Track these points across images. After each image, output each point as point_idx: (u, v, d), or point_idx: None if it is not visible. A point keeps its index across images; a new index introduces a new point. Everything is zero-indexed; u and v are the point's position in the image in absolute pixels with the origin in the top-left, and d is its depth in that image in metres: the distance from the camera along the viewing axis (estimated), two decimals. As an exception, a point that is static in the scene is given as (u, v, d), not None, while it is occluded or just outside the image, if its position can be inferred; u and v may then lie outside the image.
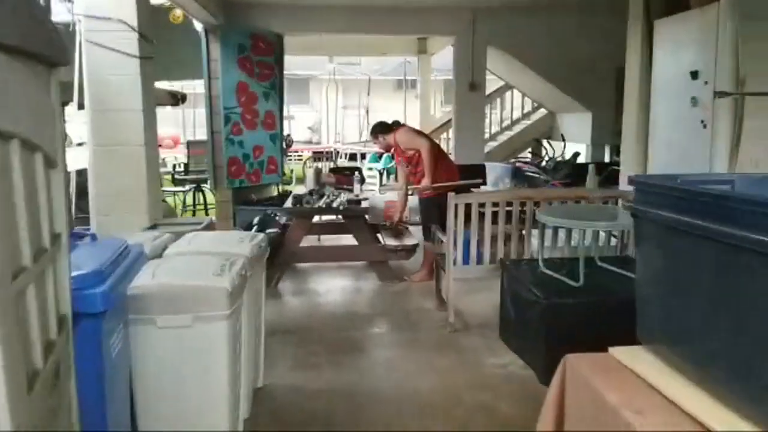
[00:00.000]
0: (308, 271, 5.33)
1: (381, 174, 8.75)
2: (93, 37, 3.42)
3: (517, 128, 9.13)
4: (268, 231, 4.95)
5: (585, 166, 4.95)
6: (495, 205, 3.68)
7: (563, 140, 7.71)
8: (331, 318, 4.18)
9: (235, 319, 2.30)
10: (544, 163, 8.05)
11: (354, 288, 4.98)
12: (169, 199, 8.50)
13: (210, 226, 3.72)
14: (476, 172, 6.01)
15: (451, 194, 3.63)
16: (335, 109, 14.49)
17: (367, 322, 4.10)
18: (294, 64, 16.92)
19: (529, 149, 9.14)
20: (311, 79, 18.46)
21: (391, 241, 4.96)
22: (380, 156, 13.76)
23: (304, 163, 7.21)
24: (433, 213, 4.47)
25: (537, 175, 5.04)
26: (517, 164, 5.45)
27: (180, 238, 3.00)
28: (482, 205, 3.66)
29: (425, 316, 4.19)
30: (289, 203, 4.92)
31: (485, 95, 7.75)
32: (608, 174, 4.92)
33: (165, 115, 17.57)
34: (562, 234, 3.59)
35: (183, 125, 14.68)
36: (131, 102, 3.50)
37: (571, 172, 5.23)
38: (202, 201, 8.19)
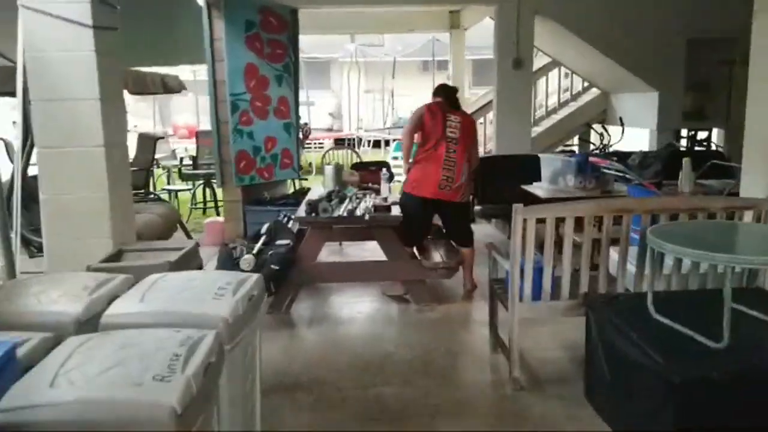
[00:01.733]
0: (327, 288, 4.43)
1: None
2: (30, 1, 2.50)
3: (564, 112, 8.01)
4: (279, 242, 4.05)
5: (678, 158, 3.90)
6: (578, 222, 2.69)
7: (621, 124, 6.62)
8: (357, 364, 3.25)
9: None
10: (598, 151, 7.01)
11: (384, 314, 4.05)
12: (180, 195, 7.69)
13: (191, 254, 2.82)
14: (527, 166, 5.01)
15: (517, 206, 2.65)
16: (357, 93, 13.49)
17: (403, 370, 3.16)
18: (313, 46, 15.94)
19: (578, 135, 8.07)
20: (332, 62, 17.44)
21: (429, 256, 4.01)
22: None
23: (323, 156, 6.23)
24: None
25: (618, 173, 4.02)
26: (591, 158, 4.39)
27: (137, 282, 2.12)
28: (561, 219, 2.68)
29: (477, 362, 3.24)
30: (302, 211, 3.98)
31: (532, 73, 6.68)
32: (707, 169, 3.88)
33: (181, 102, 16.84)
34: (668, 258, 2.60)
35: (197, 113, 13.86)
36: (85, 89, 2.59)
37: (662, 169, 4.17)
38: (212, 198, 7.35)
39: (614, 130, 7.16)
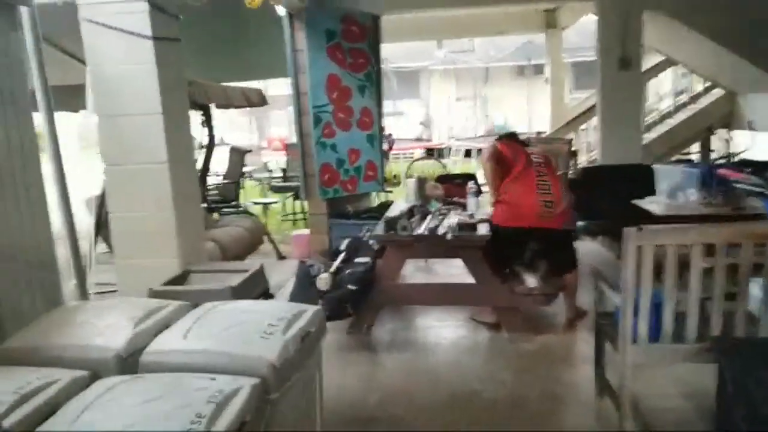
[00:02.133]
0: (411, 308, 4.11)
1: None
2: (91, 14, 2.41)
3: (680, 116, 7.17)
4: (358, 261, 3.79)
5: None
6: (709, 249, 2.17)
7: (751, 129, 5.80)
8: (439, 400, 2.89)
9: None
10: (723, 160, 6.20)
11: (471, 343, 3.65)
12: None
13: (256, 277, 2.61)
14: (637, 177, 4.42)
15: (629, 231, 2.19)
16: (447, 101, 13.13)
17: (491, 412, 2.76)
18: (401, 56, 15.81)
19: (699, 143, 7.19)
20: (421, 71, 17.22)
21: (523, 279, 3.58)
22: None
23: (408, 167, 5.94)
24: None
25: (754, 187, 3.38)
26: (718, 168, 3.75)
27: (196, 306, 1.93)
28: (685, 247, 2.18)
29: (579, 408, 2.78)
30: (380, 228, 3.69)
31: (641, 74, 6.01)
32: None
33: (278, 115, 17.33)
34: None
35: (289, 126, 14.13)
36: (146, 103, 2.45)
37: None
38: (301, 209, 7.30)
39: (741, 135, 6.30)
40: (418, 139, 16.63)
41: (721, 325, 2.26)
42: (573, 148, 6.42)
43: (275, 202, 6.98)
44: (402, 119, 14.78)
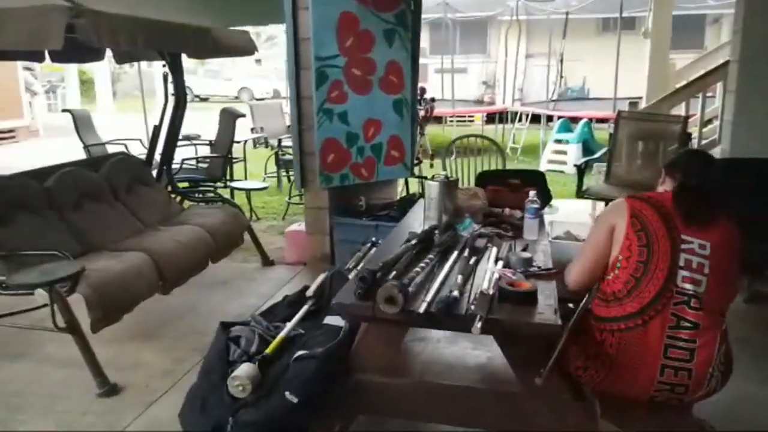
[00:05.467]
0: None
1: (584, 164, 4.89)
2: None
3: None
4: (329, 321, 2.26)
5: None
6: None
7: None
8: None
9: None
10: None
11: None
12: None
13: None
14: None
15: None
16: (516, 58, 11.10)
17: None
18: (468, 3, 13.69)
19: None
20: (489, 21, 15.02)
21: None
22: (574, 121, 10.00)
23: (448, 147, 4.18)
24: None
25: None
26: None
27: None
28: None
29: None
30: (348, 290, 2.00)
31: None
32: None
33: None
34: None
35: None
36: None
37: None
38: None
39: None
40: (479, 102, 14.64)
41: None
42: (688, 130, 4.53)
43: (263, 188, 5.44)
44: (462, 78, 12.84)
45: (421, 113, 5.68)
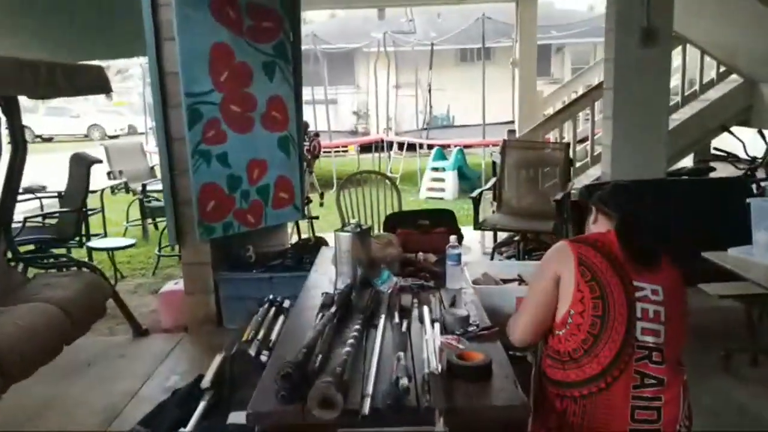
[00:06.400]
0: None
1: (479, 195, 4.71)
2: None
3: (688, 111, 5.56)
4: (232, 419, 1.81)
5: None
6: None
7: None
8: None
9: None
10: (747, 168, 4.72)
11: None
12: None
13: None
14: (701, 199, 2.66)
15: None
16: (386, 88, 11.20)
17: None
18: (334, 35, 13.68)
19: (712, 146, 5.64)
20: (356, 53, 15.14)
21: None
22: (445, 148, 10.16)
23: (338, 194, 3.78)
24: None
25: None
26: None
27: None
28: None
29: None
30: (267, 391, 1.53)
31: (670, 53, 4.29)
32: None
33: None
34: None
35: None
36: None
37: None
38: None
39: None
40: (353, 132, 14.60)
41: None
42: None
43: (130, 246, 4.75)
44: (333, 109, 12.70)
45: (306, 149, 5.35)
